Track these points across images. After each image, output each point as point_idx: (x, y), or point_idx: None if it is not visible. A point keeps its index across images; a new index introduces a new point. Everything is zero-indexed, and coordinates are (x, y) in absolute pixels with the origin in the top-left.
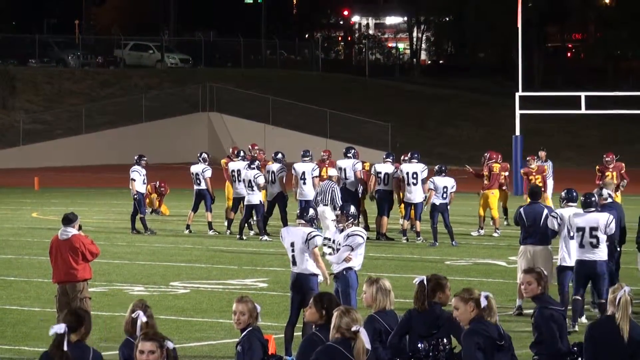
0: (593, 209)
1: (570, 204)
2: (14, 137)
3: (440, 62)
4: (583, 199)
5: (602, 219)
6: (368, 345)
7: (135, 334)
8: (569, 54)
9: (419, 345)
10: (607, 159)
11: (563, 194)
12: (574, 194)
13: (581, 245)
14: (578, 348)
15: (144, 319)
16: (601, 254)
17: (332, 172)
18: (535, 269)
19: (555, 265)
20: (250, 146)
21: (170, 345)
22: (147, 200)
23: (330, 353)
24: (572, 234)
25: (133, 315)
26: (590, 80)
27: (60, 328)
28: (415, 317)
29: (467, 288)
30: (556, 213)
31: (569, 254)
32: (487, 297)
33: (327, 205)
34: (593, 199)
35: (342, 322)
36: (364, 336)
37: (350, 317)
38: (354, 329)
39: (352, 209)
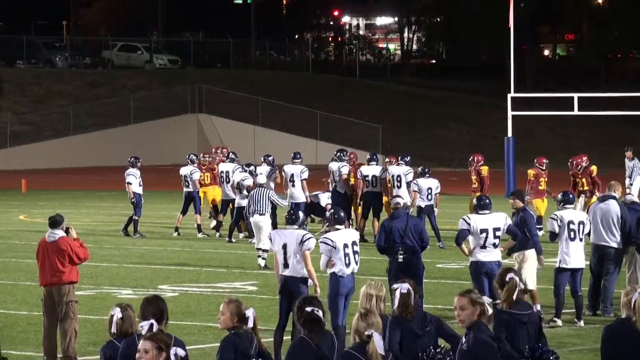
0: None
1: (567, 205)
2: (1, 139)
3: (432, 61)
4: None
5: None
6: (381, 351)
7: (111, 331)
8: (561, 55)
9: (420, 355)
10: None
11: (560, 196)
12: (571, 196)
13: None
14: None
15: (120, 315)
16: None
17: (261, 179)
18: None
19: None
20: (214, 149)
21: (180, 352)
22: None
23: (347, 359)
24: (572, 236)
25: (111, 312)
26: (583, 81)
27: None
28: (403, 322)
29: (471, 289)
30: (556, 215)
31: (568, 255)
32: (489, 305)
33: (263, 214)
34: (488, 201)
35: (359, 326)
36: (377, 341)
37: (367, 321)
38: (367, 333)
39: (341, 213)
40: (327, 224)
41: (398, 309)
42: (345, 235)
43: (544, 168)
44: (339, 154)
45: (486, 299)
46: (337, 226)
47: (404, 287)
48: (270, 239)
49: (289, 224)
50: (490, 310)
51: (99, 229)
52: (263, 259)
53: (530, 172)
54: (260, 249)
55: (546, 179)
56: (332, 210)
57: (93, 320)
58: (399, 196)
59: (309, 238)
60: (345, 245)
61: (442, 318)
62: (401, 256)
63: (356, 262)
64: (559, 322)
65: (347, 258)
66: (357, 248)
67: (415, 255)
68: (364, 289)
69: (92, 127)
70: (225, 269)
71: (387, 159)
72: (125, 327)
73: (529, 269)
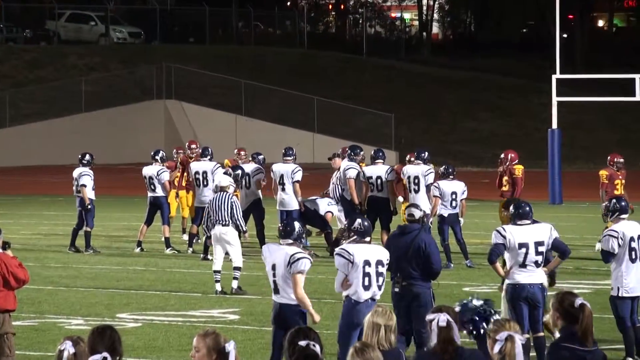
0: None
1: (622, 215)
2: None
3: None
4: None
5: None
6: None
7: None
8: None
9: None
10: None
11: (611, 204)
12: (623, 203)
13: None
14: None
15: (72, 350)
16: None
17: (225, 180)
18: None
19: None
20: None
21: None
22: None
23: None
24: (633, 256)
25: (60, 347)
26: None
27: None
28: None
29: (501, 320)
30: (616, 231)
31: (629, 281)
32: (506, 340)
33: (227, 225)
34: (528, 208)
35: None
36: None
37: (363, 357)
38: None
39: (365, 222)
40: (352, 236)
41: (437, 346)
42: (369, 251)
43: (619, 168)
44: (349, 151)
45: (503, 334)
46: (365, 238)
47: (442, 319)
48: (263, 256)
49: (282, 237)
50: (497, 348)
51: (41, 243)
52: (235, 278)
53: (603, 173)
54: (218, 271)
55: (623, 181)
56: (356, 219)
57: (34, 356)
58: (415, 205)
59: (299, 258)
60: (367, 263)
61: None
62: (397, 286)
63: (379, 286)
64: None
65: (367, 279)
66: (382, 270)
67: (419, 285)
68: (368, 318)
69: (33, 116)
70: (200, 293)
71: (408, 157)
72: None
73: None
